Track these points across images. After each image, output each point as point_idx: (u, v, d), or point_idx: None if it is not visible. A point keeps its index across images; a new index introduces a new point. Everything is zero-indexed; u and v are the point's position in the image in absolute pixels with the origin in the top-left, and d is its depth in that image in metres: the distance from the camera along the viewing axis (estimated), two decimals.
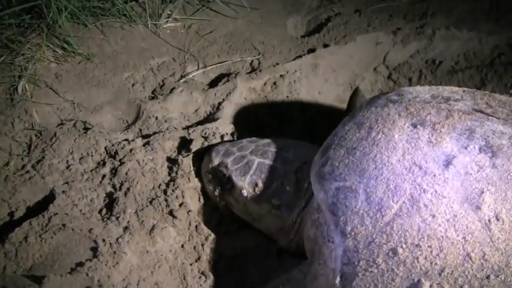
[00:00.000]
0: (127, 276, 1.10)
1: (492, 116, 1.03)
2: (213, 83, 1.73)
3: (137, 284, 1.10)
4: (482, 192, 0.91)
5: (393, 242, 0.90)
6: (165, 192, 1.31)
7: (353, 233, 0.94)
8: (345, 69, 1.78)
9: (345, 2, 2.03)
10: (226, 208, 1.35)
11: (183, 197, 1.30)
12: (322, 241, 1.03)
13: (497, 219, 0.88)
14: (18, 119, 1.49)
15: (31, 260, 1.11)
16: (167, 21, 1.86)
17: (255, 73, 1.70)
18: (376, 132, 1.05)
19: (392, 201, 0.94)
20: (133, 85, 1.68)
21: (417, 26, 1.83)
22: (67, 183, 1.31)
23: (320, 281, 1.00)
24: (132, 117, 1.59)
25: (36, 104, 1.53)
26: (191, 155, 1.39)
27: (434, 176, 0.94)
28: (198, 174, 1.38)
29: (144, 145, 1.41)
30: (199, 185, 1.37)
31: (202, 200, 1.37)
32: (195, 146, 1.40)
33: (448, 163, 0.95)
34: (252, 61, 1.80)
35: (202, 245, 1.25)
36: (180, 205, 1.29)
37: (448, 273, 0.86)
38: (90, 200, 1.28)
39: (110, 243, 1.15)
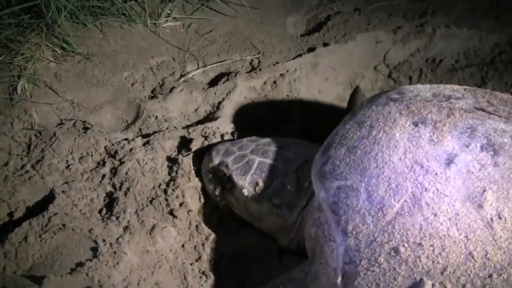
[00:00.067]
0: (127, 276, 1.10)
1: (494, 114, 1.03)
2: (213, 82, 1.73)
3: (137, 284, 1.09)
4: (484, 190, 0.90)
5: (395, 241, 0.90)
6: (165, 191, 1.30)
7: (354, 232, 0.94)
8: (345, 68, 1.78)
9: (345, 1, 2.03)
10: (227, 207, 1.35)
11: (184, 197, 1.30)
12: (323, 240, 1.03)
13: (500, 218, 0.88)
14: (17, 118, 1.48)
15: (31, 260, 1.11)
16: (167, 20, 1.86)
17: (255, 72, 1.70)
18: (377, 130, 1.05)
19: (394, 200, 0.93)
20: (133, 84, 1.68)
21: (417, 25, 1.83)
22: (67, 183, 1.31)
23: (321, 280, 0.99)
24: (131, 117, 1.58)
25: (36, 104, 1.52)
26: (191, 154, 1.39)
27: (436, 174, 0.94)
28: (198, 174, 1.37)
29: (144, 144, 1.41)
30: (199, 184, 1.37)
31: (202, 200, 1.37)
32: (195, 146, 1.39)
33: (449, 161, 0.95)
34: (252, 60, 1.80)
35: (203, 244, 1.25)
36: (181, 205, 1.28)
37: (450, 272, 0.86)
38: (90, 200, 1.27)
39: (110, 243, 1.14)
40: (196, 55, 1.79)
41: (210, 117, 1.58)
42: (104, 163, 1.37)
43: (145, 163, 1.35)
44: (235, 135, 1.49)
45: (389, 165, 0.98)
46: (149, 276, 1.12)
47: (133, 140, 1.43)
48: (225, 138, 1.45)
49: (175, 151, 1.41)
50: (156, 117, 1.55)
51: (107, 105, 1.59)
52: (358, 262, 0.91)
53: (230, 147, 1.33)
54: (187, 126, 1.52)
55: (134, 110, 1.59)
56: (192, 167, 1.37)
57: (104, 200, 1.29)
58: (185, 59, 1.78)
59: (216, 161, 1.31)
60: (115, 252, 1.12)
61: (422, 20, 1.85)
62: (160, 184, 1.32)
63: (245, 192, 1.25)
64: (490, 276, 0.84)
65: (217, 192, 1.33)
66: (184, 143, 1.42)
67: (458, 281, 0.84)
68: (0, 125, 1.44)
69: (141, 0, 1.85)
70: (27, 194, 1.29)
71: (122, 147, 1.39)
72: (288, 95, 1.68)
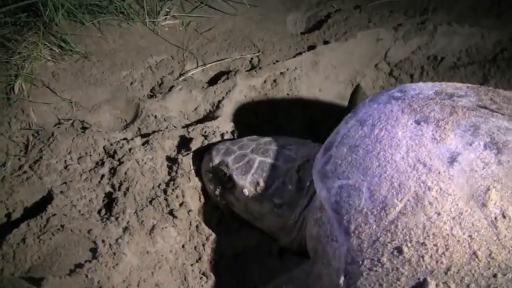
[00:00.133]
0: (127, 277, 1.09)
1: (497, 112, 1.02)
2: (213, 81, 1.72)
3: (137, 285, 1.09)
4: (488, 189, 0.89)
5: (398, 241, 0.89)
6: (165, 191, 1.29)
7: (357, 232, 0.93)
8: (346, 66, 1.77)
9: None
10: (227, 207, 1.34)
11: (183, 197, 1.29)
12: (325, 240, 1.02)
13: (504, 217, 0.87)
14: (15, 118, 1.47)
15: (29, 261, 1.10)
16: (165, 18, 1.84)
17: (255, 71, 1.69)
18: (379, 129, 1.04)
19: (397, 199, 0.92)
20: (131, 83, 1.67)
21: (418, 22, 1.82)
22: (65, 183, 1.30)
23: (324, 281, 0.99)
24: (130, 116, 1.57)
25: (33, 104, 1.51)
26: (191, 154, 1.38)
27: (439, 173, 0.93)
28: (198, 174, 1.37)
29: (143, 144, 1.40)
30: (199, 184, 1.36)
31: (202, 200, 1.36)
32: (195, 145, 1.38)
33: (452, 160, 0.94)
34: (252, 58, 1.79)
35: (203, 245, 1.24)
36: (181, 205, 1.27)
37: (454, 272, 0.85)
38: (89, 201, 1.26)
39: (110, 244, 1.13)
40: (195, 54, 1.78)
41: (210, 116, 1.57)
42: (103, 163, 1.36)
43: (145, 163, 1.34)
44: (235, 135, 1.49)
45: (391, 164, 0.97)
46: (149, 277, 1.11)
47: (132, 139, 1.42)
48: (225, 137, 1.44)
49: (174, 151, 1.40)
50: (155, 117, 1.54)
51: (106, 104, 1.58)
52: (360, 262, 0.90)
53: (230, 147, 1.32)
54: (187, 126, 1.51)
55: (133, 110, 1.58)
56: (192, 167, 1.36)
57: (103, 201, 1.28)
58: (184, 57, 1.76)
59: (216, 160, 1.30)
60: (114, 253, 1.11)
61: (423, 17, 1.84)
62: (160, 184, 1.31)
63: (246, 192, 1.24)
64: (495, 275, 0.83)
65: (217, 192, 1.32)
66: (184, 143, 1.41)
67: (463, 281, 0.84)
68: None
69: None
70: (25, 195, 1.28)
71: (121, 147, 1.38)
72: (288, 94, 1.67)
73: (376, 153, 1.00)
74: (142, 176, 1.31)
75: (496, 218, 0.87)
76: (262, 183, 1.23)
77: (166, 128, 1.49)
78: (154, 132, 1.46)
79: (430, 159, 0.95)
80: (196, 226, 1.26)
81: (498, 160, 0.92)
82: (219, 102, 1.60)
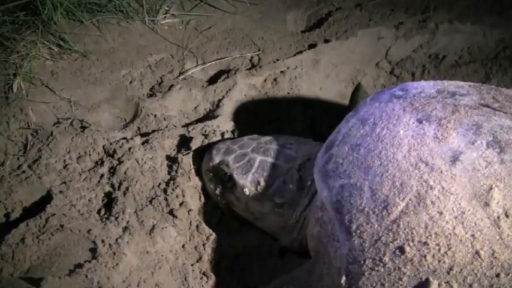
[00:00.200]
0: (127, 277, 1.08)
1: (499, 110, 1.02)
2: (213, 80, 1.71)
3: (137, 286, 1.08)
4: (491, 188, 0.89)
5: (400, 240, 0.89)
6: (165, 191, 1.29)
7: (358, 231, 0.92)
8: (347, 65, 1.76)
9: None
10: (228, 207, 1.34)
11: (184, 196, 1.28)
12: (326, 240, 1.02)
13: (507, 216, 0.86)
14: (13, 118, 1.46)
15: (28, 262, 1.09)
16: (165, 17, 1.83)
17: (255, 69, 1.68)
18: (380, 128, 1.03)
19: (399, 199, 0.92)
20: (131, 82, 1.66)
21: (420, 20, 1.81)
22: (64, 183, 1.29)
23: (325, 281, 0.98)
24: (130, 115, 1.57)
25: (32, 103, 1.50)
26: (191, 153, 1.37)
27: (441, 172, 0.92)
28: (198, 173, 1.36)
29: (143, 143, 1.39)
30: (199, 183, 1.35)
31: (203, 199, 1.36)
32: (195, 144, 1.38)
33: (455, 159, 0.93)
34: (252, 57, 1.78)
35: (204, 244, 1.24)
36: (181, 204, 1.27)
37: (456, 271, 0.84)
38: (89, 200, 1.26)
39: (109, 244, 1.13)
40: (195, 52, 1.77)
41: (210, 115, 1.56)
42: (102, 162, 1.35)
43: (145, 162, 1.33)
44: (235, 134, 1.48)
45: (393, 163, 0.96)
46: (149, 277, 1.11)
47: (132, 139, 1.41)
48: (226, 136, 1.43)
49: (174, 150, 1.40)
50: (155, 116, 1.53)
51: (105, 103, 1.57)
52: (362, 262, 0.90)
53: (231, 146, 1.31)
54: (187, 125, 1.50)
55: (133, 109, 1.57)
56: (192, 166, 1.35)
57: (103, 200, 1.27)
58: (184, 56, 1.76)
59: (217, 159, 1.30)
60: (114, 253, 1.11)
61: (424, 16, 1.83)
62: (159, 184, 1.31)
63: (246, 191, 1.23)
64: (498, 275, 0.83)
65: (217, 192, 1.31)
66: (184, 142, 1.41)
67: (465, 281, 0.83)
68: None
69: None
70: (24, 195, 1.27)
71: (121, 147, 1.37)
72: (288, 93, 1.66)
73: (377, 152, 0.99)
74: (142, 175, 1.30)
75: (498, 217, 0.86)
76: (263, 183, 1.22)
77: (166, 127, 1.48)
78: (154, 131, 1.46)
79: (432, 158, 0.94)
80: (197, 226, 1.26)
81: (501, 159, 0.92)
82: (219, 101, 1.59)
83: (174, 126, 1.50)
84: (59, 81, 1.59)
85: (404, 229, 0.89)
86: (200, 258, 1.22)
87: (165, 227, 1.20)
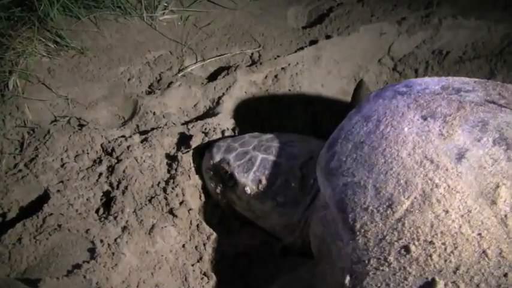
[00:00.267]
0: (126, 277, 1.07)
1: (506, 107, 1.00)
2: (212, 77, 1.69)
3: (137, 286, 1.07)
4: (498, 186, 0.87)
5: (405, 239, 0.87)
6: (164, 190, 1.27)
7: (362, 231, 0.91)
8: (349, 61, 1.75)
9: None
10: (228, 206, 1.32)
11: (184, 195, 1.27)
12: (330, 239, 1.00)
13: None
14: (9, 116, 1.45)
15: (25, 262, 1.08)
16: (163, 13, 1.82)
17: (256, 66, 1.67)
18: (384, 125, 1.02)
19: (404, 197, 0.90)
20: (129, 80, 1.64)
21: (423, 15, 1.79)
22: (62, 182, 1.27)
23: (328, 281, 0.97)
24: (128, 113, 1.55)
25: (28, 100, 1.49)
26: (191, 151, 1.36)
27: (447, 170, 0.90)
28: (198, 171, 1.35)
29: (141, 142, 1.38)
30: (200, 182, 1.34)
31: (203, 198, 1.34)
32: (195, 142, 1.36)
33: (460, 156, 0.91)
34: (252, 54, 1.76)
35: (204, 244, 1.22)
36: (181, 203, 1.25)
37: (463, 271, 0.83)
38: (87, 199, 1.24)
39: (108, 244, 1.11)
40: (194, 49, 1.75)
41: (210, 112, 1.55)
42: (101, 161, 1.33)
43: (144, 161, 1.31)
44: (236, 131, 1.46)
45: (398, 160, 0.94)
46: (149, 277, 1.09)
47: (130, 137, 1.40)
48: (226, 134, 1.42)
49: (174, 148, 1.38)
50: (154, 113, 1.52)
51: (103, 101, 1.55)
52: (366, 261, 0.88)
53: (232, 144, 1.29)
54: (187, 123, 1.49)
55: (131, 106, 1.56)
56: (192, 165, 1.34)
57: (101, 199, 1.26)
58: (183, 53, 1.74)
59: (217, 158, 1.28)
60: (113, 253, 1.09)
61: (428, 11, 1.81)
62: (159, 182, 1.29)
63: (248, 190, 1.22)
64: (506, 275, 0.81)
65: (218, 190, 1.30)
66: (183, 140, 1.39)
67: (472, 281, 0.82)
68: None
69: None
70: (21, 194, 1.26)
71: (119, 145, 1.36)
72: (290, 89, 1.65)
73: (381, 149, 0.97)
74: (141, 174, 1.29)
75: (506, 216, 0.85)
76: (264, 181, 1.21)
77: (165, 125, 1.47)
78: (153, 129, 1.44)
79: (438, 155, 0.92)
80: (197, 225, 1.24)
81: (507, 156, 0.90)
82: (219, 98, 1.58)
83: (174, 124, 1.49)
84: (56, 78, 1.57)
85: (410, 228, 0.87)
86: (201, 258, 1.20)
87: (165, 227, 1.19)
